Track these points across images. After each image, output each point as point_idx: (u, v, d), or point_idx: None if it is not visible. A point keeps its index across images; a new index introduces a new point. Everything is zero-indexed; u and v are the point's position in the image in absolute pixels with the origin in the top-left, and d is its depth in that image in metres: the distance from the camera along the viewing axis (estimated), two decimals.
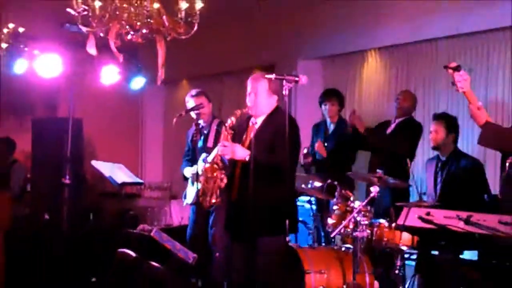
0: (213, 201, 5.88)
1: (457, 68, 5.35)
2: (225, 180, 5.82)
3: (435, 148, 7.24)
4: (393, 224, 6.55)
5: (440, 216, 4.45)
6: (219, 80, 12.17)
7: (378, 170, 7.12)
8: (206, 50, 11.95)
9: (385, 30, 9.28)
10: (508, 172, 4.89)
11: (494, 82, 8.27)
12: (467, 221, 4.28)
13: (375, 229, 6.81)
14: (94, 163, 9.57)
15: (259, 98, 5.86)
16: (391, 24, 9.17)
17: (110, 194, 10.89)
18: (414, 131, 8.14)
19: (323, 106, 8.76)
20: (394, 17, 9.12)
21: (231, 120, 5.76)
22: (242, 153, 5.65)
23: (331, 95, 8.82)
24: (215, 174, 5.82)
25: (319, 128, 8.92)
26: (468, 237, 4.36)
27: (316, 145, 8.51)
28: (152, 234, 6.14)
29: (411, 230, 5.46)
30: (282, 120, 5.54)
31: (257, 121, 5.95)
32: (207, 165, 5.92)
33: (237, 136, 5.93)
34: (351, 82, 10.20)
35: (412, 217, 4.65)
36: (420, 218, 4.54)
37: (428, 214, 4.51)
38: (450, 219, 4.38)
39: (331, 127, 8.76)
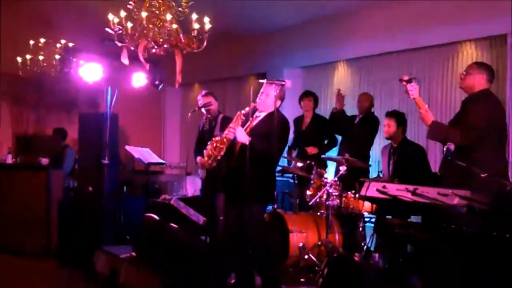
0: (213, 164, 5.91)
1: (409, 81, 5.35)
2: (222, 153, 5.83)
3: (388, 138, 7.24)
4: (357, 195, 6.57)
5: (393, 189, 4.43)
6: (223, 84, 12.12)
7: (346, 154, 7.12)
8: (213, 61, 11.93)
9: (351, 45, 9.26)
10: (445, 155, 4.88)
11: (434, 88, 8.26)
12: (413, 193, 4.26)
13: (343, 199, 6.82)
14: (127, 147, 9.56)
15: (268, 99, 5.81)
16: (355, 40, 9.15)
17: (139, 172, 10.86)
18: (374, 124, 8.13)
19: (302, 102, 8.74)
20: (358, 35, 9.10)
21: (245, 110, 5.74)
22: (243, 137, 5.64)
23: (309, 94, 8.81)
24: (220, 146, 5.82)
25: (298, 121, 8.90)
26: (414, 205, 4.35)
27: (309, 150, 8.41)
28: (171, 202, 6.13)
29: (371, 199, 5.44)
30: (278, 119, 5.66)
31: (260, 115, 5.94)
32: (218, 138, 5.91)
33: (244, 122, 5.93)
34: (325, 86, 10.16)
35: (371, 189, 4.62)
36: (378, 190, 4.51)
37: (383, 187, 4.49)
38: (401, 191, 4.37)
39: (307, 120, 8.73)
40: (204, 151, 5.98)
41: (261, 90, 5.98)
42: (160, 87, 9.01)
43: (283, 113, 5.87)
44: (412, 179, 6.46)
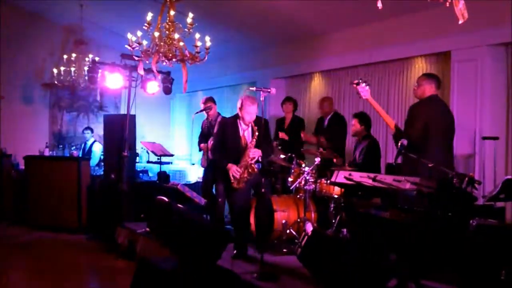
0: (241, 185, 5.97)
1: (358, 83, 5.35)
2: (246, 175, 5.91)
3: (353, 135, 7.24)
4: (328, 181, 6.56)
5: (357, 176, 4.44)
6: (220, 92, 12.08)
7: (321, 148, 7.14)
8: (213, 72, 11.93)
9: (324, 60, 9.23)
10: (399, 149, 4.89)
11: (392, 96, 8.26)
12: (374, 179, 4.27)
13: (318, 184, 6.83)
14: (142, 142, 9.56)
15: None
16: (327, 55, 9.13)
17: (153, 162, 10.83)
18: (341, 122, 8.11)
19: (283, 106, 8.73)
20: (330, 51, 9.07)
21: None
22: (258, 153, 5.92)
23: (289, 99, 8.82)
24: (249, 170, 5.84)
25: (280, 122, 8.86)
26: (375, 189, 4.36)
27: (280, 134, 8.45)
28: (178, 187, 6.13)
29: (340, 185, 5.45)
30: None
31: (250, 124, 6.06)
32: (249, 161, 5.94)
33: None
34: (304, 93, 10.12)
35: (340, 177, 4.63)
36: (345, 177, 4.53)
37: (350, 175, 4.50)
38: (364, 178, 4.37)
39: (287, 121, 8.71)
40: (236, 172, 5.96)
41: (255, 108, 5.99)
42: (169, 93, 9.02)
43: (269, 115, 5.88)
44: (371, 168, 6.52)
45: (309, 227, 4.44)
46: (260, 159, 5.98)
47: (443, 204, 4.03)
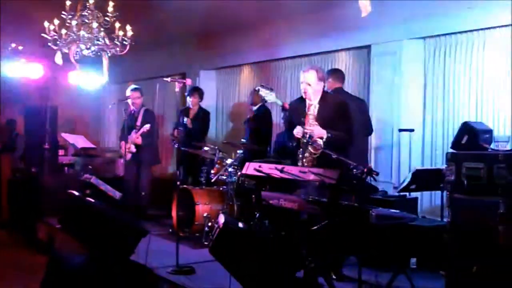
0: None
1: (258, 91, 5.52)
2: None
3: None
4: (239, 173, 6.50)
5: (267, 168, 4.46)
6: (150, 82, 11.90)
7: (242, 140, 7.15)
8: (145, 63, 11.76)
9: (253, 52, 9.26)
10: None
11: None
12: (281, 171, 4.31)
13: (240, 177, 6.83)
14: (63, 134, 9.35)
15: None
16: (257, 48, 9.16)
17: (78, 155, 10.60)
18: (266, 114, 8.13)
19: (190, 97, 8.41)
20: (259, 44, 9.09)
21: None
22: None
23: (196, 90, 8.52)
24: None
25: (185, 112, 8.39)
26: (282, 180, 4.40)
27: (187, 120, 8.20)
28: (92, 180, 6.04)
29: (250, 176, 5.46)
30: None
31: None
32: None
33: None
34: (233, 86, 10.15)
35: (250, 169, 4.64)
36: (255, 169, 4.54)
37: (260, 166, 4.52)
38: (272, 169, 4.40)
39: (193, 113, 8.46)
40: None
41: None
42: (96, 84, 8.86)
43: None
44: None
45: (221, 220, 4.44)
46: None
47: (344, 194, 4.12)
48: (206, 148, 7.45)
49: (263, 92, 5.40)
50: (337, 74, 6.08)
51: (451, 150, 4.58)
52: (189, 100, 8.45)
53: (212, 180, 6.87)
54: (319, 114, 5.01)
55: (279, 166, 4.33)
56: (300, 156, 4.87)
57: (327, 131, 4.81)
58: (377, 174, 3.91)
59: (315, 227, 3.98)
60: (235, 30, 9.43)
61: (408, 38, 6.87)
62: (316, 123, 4.91)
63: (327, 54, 8.12)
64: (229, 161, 6.92)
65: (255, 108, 8.10)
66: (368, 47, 7.32)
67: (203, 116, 8.45)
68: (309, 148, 4.79)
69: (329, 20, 7.75)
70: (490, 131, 4.73)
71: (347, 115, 5.12)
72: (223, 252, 4.51)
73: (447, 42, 6.69)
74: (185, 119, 8.14)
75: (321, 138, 4.81)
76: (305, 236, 4.18)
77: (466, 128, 4.57)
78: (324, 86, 5.27)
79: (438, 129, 6.80)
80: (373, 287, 4.80)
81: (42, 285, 5.02)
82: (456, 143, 4.57)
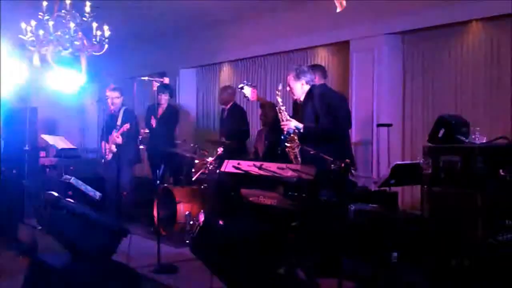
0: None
1: (242, 88, 5.51)
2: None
3: (264, 125, 7.31)
4: (218, 171, 6.47)
5: (245, 165, 4.49)
6: (130, 82, 11.81)
7: (222, 138, 7.16)
8: (124, 62, 11.71)
9: (232, 50, 9.26)
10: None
11: None
12: (260, 168, 4.33)
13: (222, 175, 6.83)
14: (43, 136, 9.29)
15: None
16: (235, 45, 9.16)
17: (59, 156, 10.53)
18: (241, 111, 8.17)
19: (160, 95, 8.18)
20: (237, 41, 9.11)
21: None
22: None
23: (166, 89, 8.35)
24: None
25: (153, 109, 8.15)
26: (261, 177, 4.42)
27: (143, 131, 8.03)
28: (71, 181, 6.01)
29: (229, 174, 5.47)
30: None
31: None
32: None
33: None
34: (213, 83, 10.14)
35: (229, 166, 4.67)
36: (234, 166, 4.57)
37: (238, 164, 4.54)
38: (251, 166, 4.43)
39: (161, 111, 8.33)
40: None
41: None
42: (75, 84, 8.79)
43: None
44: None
45: (202, 218, 4.46)
46: None
47: (322, 190, 4.15)
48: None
49: (247, 91, 5.45)
50: (316, 70, 6.00)
51: (428, 144, 4.62)
52: (160, 98, 8.21)
53: (193, 179, 6.87)
54: (303, 110, 5.19)
55: (258, 163, 4.35)
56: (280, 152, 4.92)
57: (305, 125, 4.91)
58: (355, 169, 3.95)
59: (294, 223, 4.00)
60: (213, 28, 9.42)
61: (386, 33, 6.91)
62: (290, 118, 5.03)
63: (307, 50, 8.14)
64: (209, 159, 6.93)
65: (227, 107, 8.09)
66: (347, 42, 7.34)
67: (169, 115, 8.37)
68: (287, 144, 4.83)
69: (307, 16, 7.78)
70: (466, 124, 4.76)
71: (330, 109, 5.23)
72: (204, 250, 4.52)
73: (425, 36, 6.75)
74: (152, 120, 8.04)
75: (298, 131, 4.94)
76: (285, 232, 4.20)
77: (442, 122, 4.59)
78: (306, 82, 5.38)
79: (417, 124, 6.86)
80: (354, 281, 4.83)
81: None
82: (432, 137, 4.60)
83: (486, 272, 4.05)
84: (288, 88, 5.42)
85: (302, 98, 5.33)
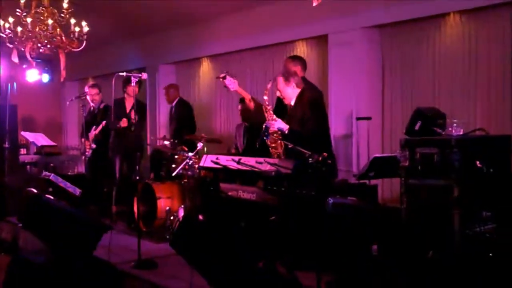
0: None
1: (224, 77, 5.43)
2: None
3: (243, 120, 7.29)
4: (197, 166, 6.38)
5: (224, 160, 4.48)
6: (107, 78, 11.77)
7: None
8: (104, 58, 11.63)
9: (211, 44, 9.24)
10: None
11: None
12: (238, 162, 4.33)
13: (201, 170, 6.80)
14: (22, 133, 9.24)
15: None
16: (215, 41, 9.13)
17: (39, 153, 10.46)
18: (188, 106, 8.33)
19: (128, 87, 7.71)
20: (216, 36, 9.08)
21: None
22: None
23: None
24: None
25: (120, 103, 7.79)
26: (239, 171, 4.43)
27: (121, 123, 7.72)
28: (50, 177, 5.98)
29: (208, 169, 5.46)
30: None
31: None
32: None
33: None
34: (193, 79, 10.12)
35: (208, 161, 4.66)
36: (212, 161, 4.56)
37: (217, 158, 4.54)
38: (229, 161, 4.43)
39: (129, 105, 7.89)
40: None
41: None
42: (44, 80, 8.73)
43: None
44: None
45: (181, 213, 4.45)
46: None
47: (300, 184, 4.16)
48: (166, 142, 7.42)
49: (229, 80, 5.40)
50: (295, 61, 5.95)
51: (405, 137, 4.64)
52: (128, 91, 7.81)
53: (173, 174, 6.83)
54: (292, 112, 5.21)
55: (236, 158, 4.35)
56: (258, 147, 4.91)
57: (290, 128, 4.92)
58: (331, 162, 3.96)
59: (273, 217, 4.01)
60: (192, 23, 9.39)
61: (364, 27, 6.94)
62: (276, 118, 5.02)
63: (285, 45, 8.15)
64: (190, 154, 6.90)
65: (173, 104, 8.20)
66: (325, 36, 7.36)
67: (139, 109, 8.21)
68: (267, 141, 4.83)
69: (286, 10, 7.77)
70: (443, 116, 4.79)
71: (319, 117, 5.28)
72: (184, 245, 4.52)
73: (403, 29, 6.79)
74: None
75: (281, 131, 4.91)
76: (264, 225, 4.22)
77: (419, 114, 4.62)
78: (296, 85, 5.36)
79: (397, 116, 6.91)
80: (333, 274, 4.85)
81: (4, 285, 4.97)
82: (409, 129, 4.62)
83: (463, 264, 4.08)
84: (278, 93, 5.35)
85: (292, 103, 5.26)
